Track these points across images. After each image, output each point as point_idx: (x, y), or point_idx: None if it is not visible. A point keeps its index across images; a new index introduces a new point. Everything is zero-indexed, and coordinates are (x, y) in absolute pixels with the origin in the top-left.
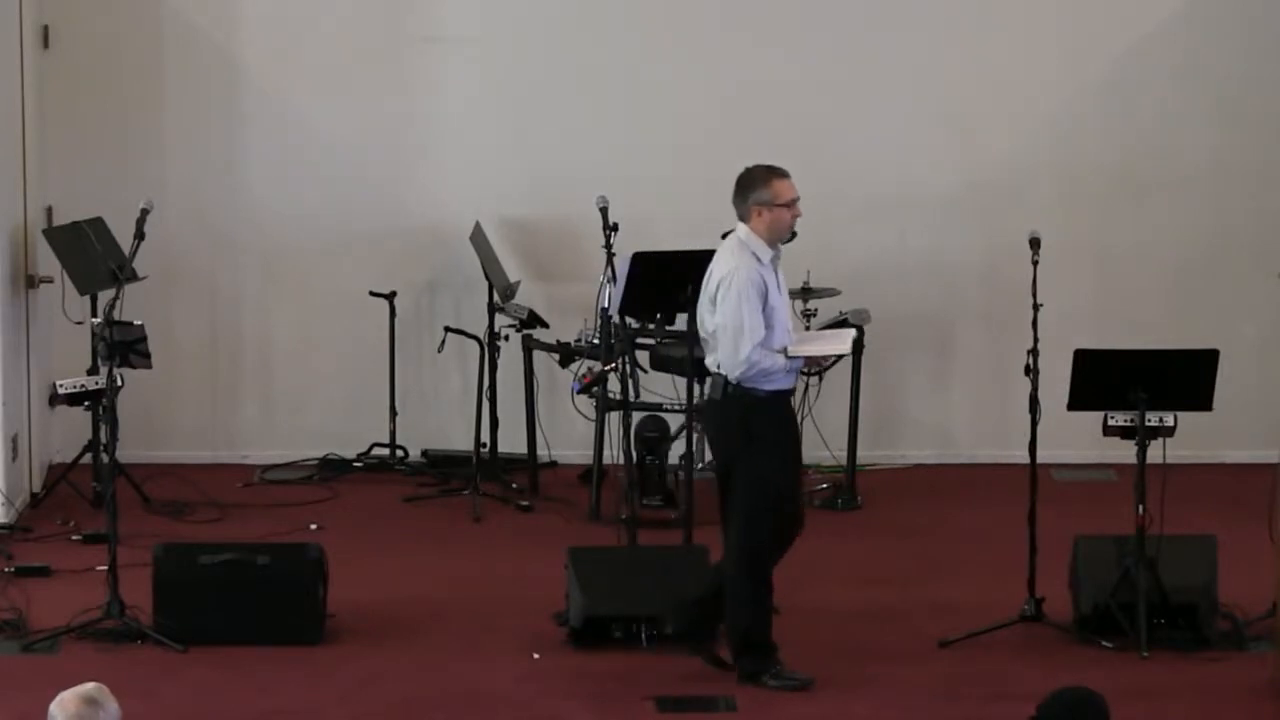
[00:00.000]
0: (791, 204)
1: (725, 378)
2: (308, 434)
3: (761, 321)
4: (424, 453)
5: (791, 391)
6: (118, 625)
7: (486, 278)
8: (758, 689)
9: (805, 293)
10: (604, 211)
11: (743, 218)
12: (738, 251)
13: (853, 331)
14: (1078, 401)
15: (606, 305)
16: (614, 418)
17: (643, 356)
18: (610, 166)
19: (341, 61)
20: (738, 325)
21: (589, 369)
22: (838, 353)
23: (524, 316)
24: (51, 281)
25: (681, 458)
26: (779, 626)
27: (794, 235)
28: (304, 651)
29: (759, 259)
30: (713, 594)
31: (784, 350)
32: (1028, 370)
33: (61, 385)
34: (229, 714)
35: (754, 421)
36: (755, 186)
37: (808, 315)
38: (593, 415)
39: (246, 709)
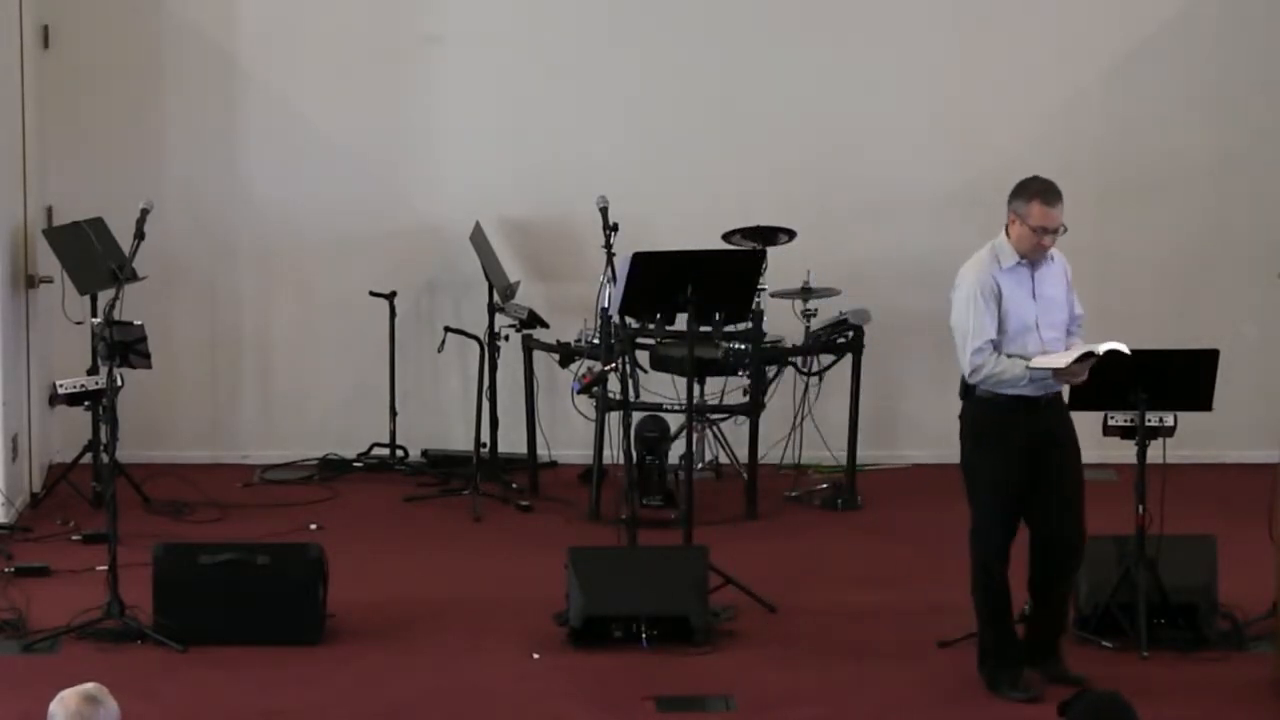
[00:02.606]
0: (1038, 231)
1: (965, 381)
2: (308, 434)
3: (990, 325)
4: (424, 453)
5: (1038, 400)
6: (118, 625)
7: (486, 278)
8: (758, 692)
9: (805, 293)
10: (604, 211)
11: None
12: (983, 253)
13: (1090, 347)
14: (1078, 401)
15: (606, 305)
16: (614, 418)
17: (643, 356)
18: (610, 166)
19: (342, 61)
20: (964, 328)
21: (589, 369)
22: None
23: (524, 316)
24: (51, 281)
25: (681, 458)
26: (777, 626)
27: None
28: (304, 651)
29: (999, 263)
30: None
31: (1026, 360)
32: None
33: (61, 385)
34: (229, 714)
35: (981, 422)
36: (1022, 196)
37: (808, 315)
38: (593, 415)
39: (246, 709)
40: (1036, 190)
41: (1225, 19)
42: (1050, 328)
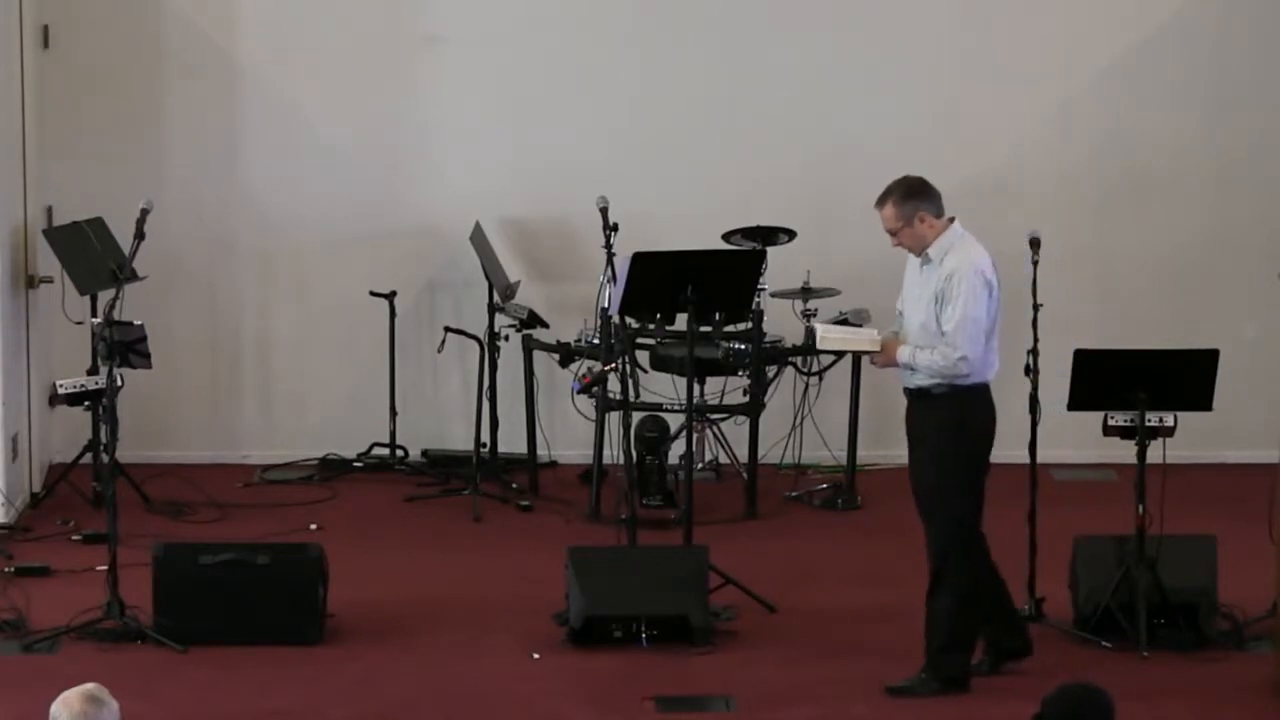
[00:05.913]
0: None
1: None
2: (308, 434)
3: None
4: (424, 453)
5: (912, 393)
6: (118, 625)
7: (486, 278)
8: (758, 693)
9: (805, 293)
10: (604, 211)
11: None
12: None
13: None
14: (1078, 401)
15: (606, 305)
16: (614, 418)
17: (643, 356)
18: (610, 166)
19: (341, 61)
20: None
21: (589, 369)
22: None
23: (524, 316)
24: (51, 281)
25: (681, 458)
26: (777, 626)
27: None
28: (304, 651)
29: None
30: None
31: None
32: (1028, 370)
33: (61, 385)
34: (229, 714)
35: None
36: None
37: (807, 315)
38: (593, 415)
39: (246, 709)
40: None
41: (1225, 19)
42: (911, 326)
